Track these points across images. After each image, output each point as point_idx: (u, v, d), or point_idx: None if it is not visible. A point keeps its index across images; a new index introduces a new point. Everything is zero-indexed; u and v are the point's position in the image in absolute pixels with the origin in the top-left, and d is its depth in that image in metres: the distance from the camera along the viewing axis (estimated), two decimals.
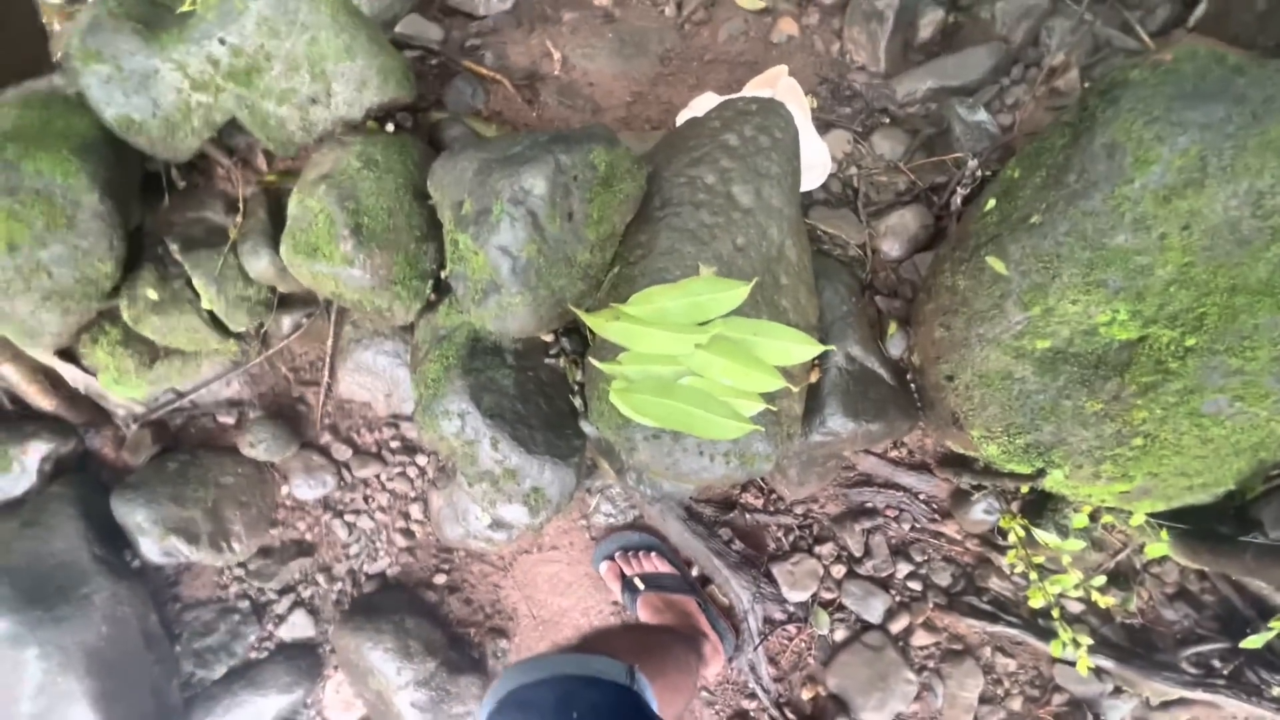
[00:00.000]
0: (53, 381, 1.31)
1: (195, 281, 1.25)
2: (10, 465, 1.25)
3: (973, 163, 1.38)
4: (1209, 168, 0.91)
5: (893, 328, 1.36)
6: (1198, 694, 1.26)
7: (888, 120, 1.65)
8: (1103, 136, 0.97)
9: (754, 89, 1.57)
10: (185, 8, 1.18)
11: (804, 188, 1.42)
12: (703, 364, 1.06)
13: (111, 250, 1.15)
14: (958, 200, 1.40)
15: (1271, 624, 1.09)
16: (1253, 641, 1.11)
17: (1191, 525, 1.14)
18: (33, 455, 1.26)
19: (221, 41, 1.13)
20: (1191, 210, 0.93)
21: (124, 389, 1.31)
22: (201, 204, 1.33)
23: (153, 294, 1.23)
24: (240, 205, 1.31)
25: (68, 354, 1.30)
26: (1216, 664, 1.31)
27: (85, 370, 1.30)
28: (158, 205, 1.32)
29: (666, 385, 1.06)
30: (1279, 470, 1.05)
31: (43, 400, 1.30)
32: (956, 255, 1.20)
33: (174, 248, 1.26)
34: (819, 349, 1.11)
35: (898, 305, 1.40)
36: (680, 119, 1.56)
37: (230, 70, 1.15)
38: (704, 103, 1.56)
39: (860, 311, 1.34)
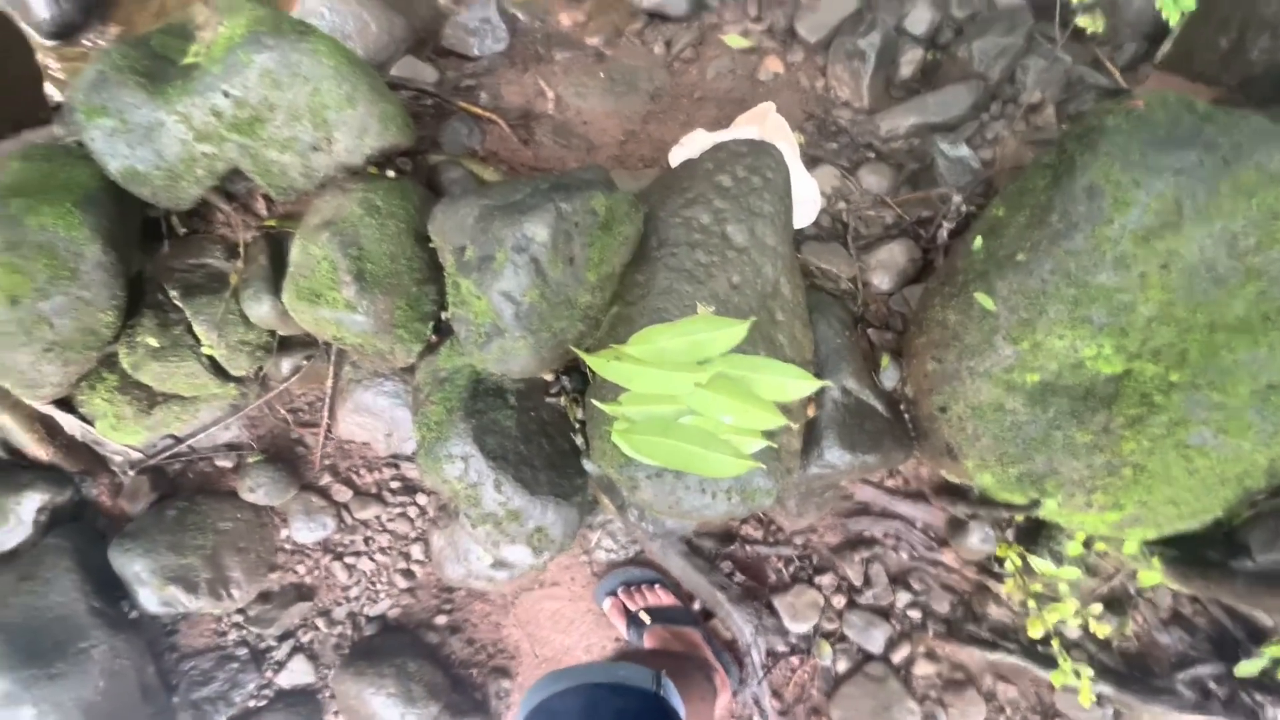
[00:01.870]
0: (49, 430, 1.31)
1: (196, 327, 1.26)
2: (6, 517, 1.23)
3: (957, 198, 1.43)
4: (1184, 210, 0.95)
5: (885, 360, 1.39)
6: (1196, 718, 1.28)
7: (873, 155, 1.70)
8: (1082, 179, 1.02)
9: (742, 125, 1.61)
10: (188, 60, 1.20)
11: (795, 224, 1.46)
12: (703, 402, 1.08)
13: (113, 300, 1.16)
14: (944, 235, 1.44)
15: (1264, 649, 1.12)
16: (1246, 668, 1.13)
17: (1182, 552, 1.16)
18: (28, 506, 1.25)
19: (225, 94, 1.15)
20: (1169, 250, 0.97)
21: (122, 436, 1.30)
22: (202, 250, 1.34)
23: (153, 341, 1.23)
24: (241, 251, 1.32)
25: (65, 402, 1.29)
26: (1212, 686, 1.33)
27: (82, 418, 1.29)
28: (157, 252, 1.33)
29: (667, 425, 1.08)
30: (1263, 497, 1.08)
31: (39, 449, 1.29)
32: (946, 290, 1.24)
33: (174, 294, 1.27)
34: (816, 384, 1.13)
35: (890, 338, 1.43)
36: (672, 156, 1.60)
37: (234, 121, 1.17)
38: (694, 139, 1.60)
39: (853, 344, 1.37)
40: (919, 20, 1.83)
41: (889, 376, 1.38)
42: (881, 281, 1.47)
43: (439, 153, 1.53)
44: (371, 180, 1.29)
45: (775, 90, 1.88)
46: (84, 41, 2.01)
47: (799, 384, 1.12)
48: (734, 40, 1.94)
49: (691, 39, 1.96)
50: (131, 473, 1.35)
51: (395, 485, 1.47)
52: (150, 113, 1.13)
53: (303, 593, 1.43)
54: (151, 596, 1.24)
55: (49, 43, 1.97)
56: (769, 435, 1.09)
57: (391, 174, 1.35)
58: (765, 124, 1.58)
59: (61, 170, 1.18)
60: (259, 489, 1.35)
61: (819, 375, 1.30)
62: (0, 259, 1.04)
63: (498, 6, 1.94)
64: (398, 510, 1.46)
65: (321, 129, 1.23)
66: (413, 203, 1.29)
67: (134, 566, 1.23)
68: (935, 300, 1.26)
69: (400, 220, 1.25)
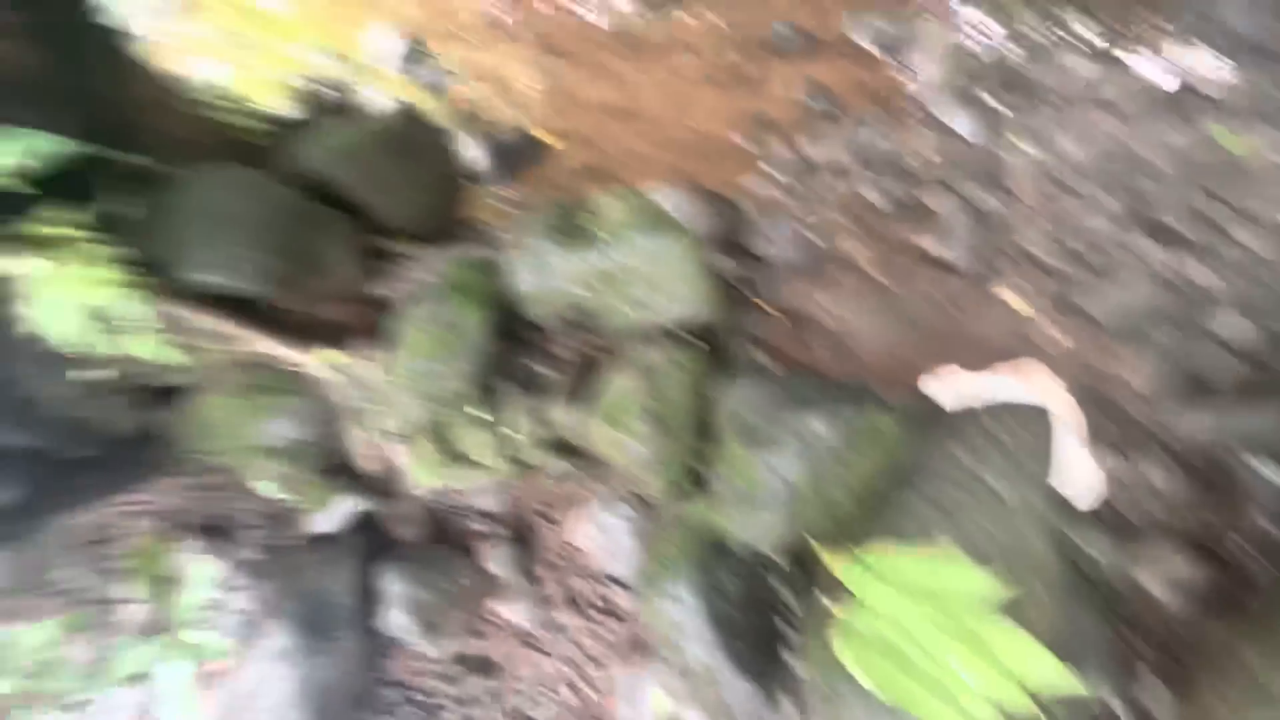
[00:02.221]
0: (379, 455, 1.67)
1: (509, 414, 1.57)
2: (329, 507, 1.58)
3: (1271, 527, 1.28)
4: None
5: (1149, 676, 1.22)
6: None
7: (1160, 449, 1.59)
8: None
9: (1002, 374, 1.64)
10: (587, 226, 1.62)
11: (1068, 498, 1.40)
12: (938, 646, 1.05)
13: (473, 374, 1.51)
14: (1250, 563, 1.28)
15: None
16: None
17: None
18: (346, 505, 1.58)
19: (605, 256, 1.52)
20: None
21: (423, 476, 1.62)
22: (532, 356, 1.69)
23: (478, 414, 1.56)
24: (560, 365, 1.65)
25: (399, 436, 1.65)
26: None
27: (405, 454, 1.64)
28: (504, 348, 1.71)
29: (900, 654, 1.06)
30: None
31: (370, 465, 1.65)
32: (1249, 627, 1.09)
33: (505, 385, 1.61)
34: (1074, 687, 1.03)
35: (1158, 653, 1.26)
36: (927, 385, 1.67)
37: (602, 275, 1.54)
38: (952, 376, 1.66)
39: (1113, 647, 1.23)
40: (1229, 325, 1.76)
41: (1151, 696, 1.20)
42: (1158, 589, 1.32)
43: (729, 331, 1.80)
44: (678, 341, 1.56)
45: (1047, 355, 1.89)
46: (494, 189, 2.76)
47: (1052, 675, 1.03)
48: (1014, 301, 2.03)
49: (966, 287, 2.08)
50: (418, 508, 1.65)
51: (599, 602, 1.58)
52: (552, 257, 1.54)
53: (487, 669, 1.54)
54: (394, 616, 1.46)
55: (473, 186, 2.74)
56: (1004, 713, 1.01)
57: (696, 341, 1.61)
58: (1031, 382, 1.60)
59: (475, 277, 1.63)
60: (497, 560, 1.55)
61: (1065, 664, 1.18)
62: (428, 328, 1.46)
63: (795, 225, 2.29)
64: (592, 628, 1.55)
65: (658, 294, 1.55)
66: (703, 367, 1.52)
67: (395, 586, 1.47)
68: (1234, 633, 1.11)
69: (692, 378, 1.48)
